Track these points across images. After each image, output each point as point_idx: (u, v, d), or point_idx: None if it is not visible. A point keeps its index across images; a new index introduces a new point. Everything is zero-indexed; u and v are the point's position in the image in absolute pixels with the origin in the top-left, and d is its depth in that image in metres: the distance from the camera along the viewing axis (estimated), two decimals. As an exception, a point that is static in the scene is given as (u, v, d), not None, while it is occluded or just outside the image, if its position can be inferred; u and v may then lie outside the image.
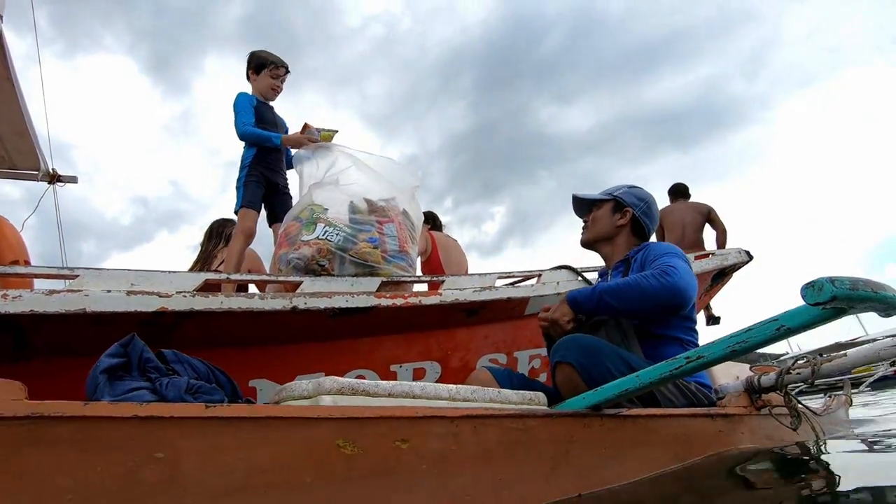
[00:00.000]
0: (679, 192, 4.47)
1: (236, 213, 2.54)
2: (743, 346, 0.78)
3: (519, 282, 2.39)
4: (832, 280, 0.62)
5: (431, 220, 3.74)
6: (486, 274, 2.19)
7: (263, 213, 2.68)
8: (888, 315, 0.68)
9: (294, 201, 2.61)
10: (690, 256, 2.83)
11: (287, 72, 2.77)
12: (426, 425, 0.78)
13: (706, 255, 3.14)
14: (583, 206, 1.82)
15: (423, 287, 2.24)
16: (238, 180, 2.58)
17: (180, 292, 1.51)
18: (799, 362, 1.38)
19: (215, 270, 2.75)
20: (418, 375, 2.09)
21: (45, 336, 1.46)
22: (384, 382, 0.88)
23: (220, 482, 0.61)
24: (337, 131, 2.53)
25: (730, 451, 1.28)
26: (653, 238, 1.79)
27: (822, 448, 1.33)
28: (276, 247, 2.26)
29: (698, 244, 4.00)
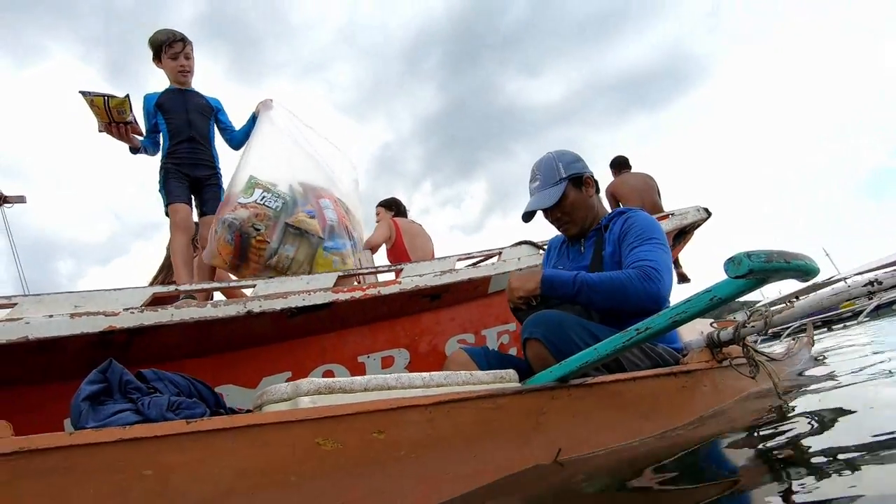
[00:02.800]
0: (623, 163, 4.76)
1: (167, 215, 2.47)
2: (683, 317, 0.91)
3: (480, 261, 2.49)
4: (749, 255, 0.74)
5: (395, 207, 3.83)
6: (445, 257, 2.28)
7: None
8: (806, 281, 0.80)
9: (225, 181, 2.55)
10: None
11: (185, 44, 2.57)
12: (400, 415, 0.87)
13: (665, 217, 3.34)
14: (550, 206, 1.67)
15: (391, 275, 2.32)
16: (158, 184, 2.51)
17: (128, 309, 1.53)
18: (754, 315, 1.54)
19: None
20: (387, 364, 2.18)
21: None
22: (359, 378, 0.96)
23: (209, 490, 0.68)
24: (124, 99, 2.28)
25: (694, 405, 1.43)
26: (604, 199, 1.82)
27: (778, 394, 1.50)
28: (218, 212, 2.27)
29: (658, 208, 4.26)
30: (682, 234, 3.53)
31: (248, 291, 1.98)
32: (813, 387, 1.76)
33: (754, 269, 0.73)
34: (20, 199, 3.57)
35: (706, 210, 3.52)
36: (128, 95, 2.32)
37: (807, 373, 2.37)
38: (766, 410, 1.41)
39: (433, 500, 0.86)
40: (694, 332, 1.84)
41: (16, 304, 1.47)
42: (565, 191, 1.66)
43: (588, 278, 1.43)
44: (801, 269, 0.77)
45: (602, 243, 1.63)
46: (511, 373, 1.17)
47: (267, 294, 1.80)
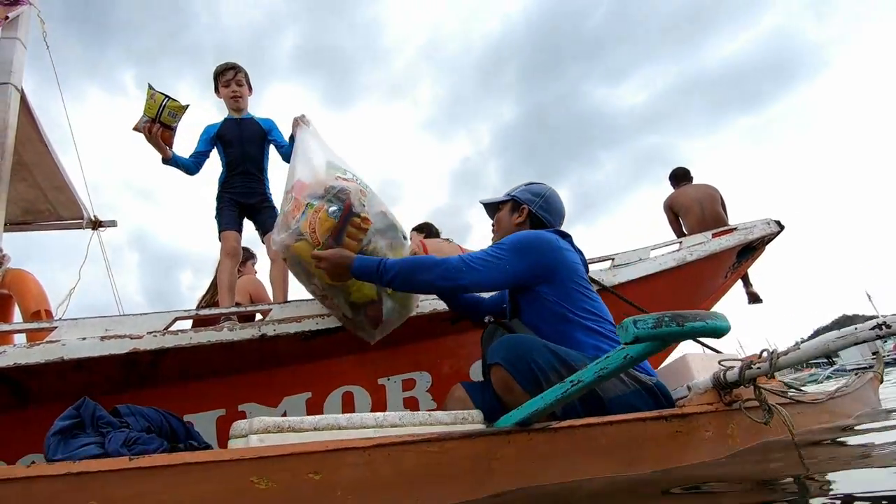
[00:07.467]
0: (682, 175, 4.61)
1: (219, 240, 2.70)
2: (606, 372, 0.94)
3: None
4: (635, 321, 0.77)
5: (426, 230, 4.01)
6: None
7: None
8: (718, 338, 0.82)
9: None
10: (703, 236, 2.93)
11: (237, 71, 2.84)
12: (338, 457, 0.97)
13: (730, 231, 3.22)
14: (490, 210, 2.08)
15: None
16: (215, 211, 2.77)
17: (151, 332, 1.75)
18: (763, 356, 1.50)
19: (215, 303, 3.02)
20: (408, 386, 2.29)
21: (37, 385, 1.73)
22: (310, 418, 1.08)
23: (146, 521, 0.82)
24: (184, 107, 2.50)
25: (690, 454, 1.42)
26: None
27: (796, 446, 1.43)
28: (298, 191, 2.02)
29: (721, 220, 4.10)
30: (751, 251, 3.39)
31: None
32: (853, 444, 1.65)
33: (640, 337, 0.76)
34: (112, 224, 4.14)
35: (777, 223, 3.36)
36: (188, 105, 2.53)
37: (861, 420, 2.19)
38: (765, 465, 1.38)
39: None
40: (711, 369, 1.80)
41: (56, 327, 1.72)
42: (502, 204, 2.02)
43: (389, 264, 1.63)
44: (699, 331, 0.79)
45: None
46: (475, 413, 1.24)
47: (282, 318, 1.97)
